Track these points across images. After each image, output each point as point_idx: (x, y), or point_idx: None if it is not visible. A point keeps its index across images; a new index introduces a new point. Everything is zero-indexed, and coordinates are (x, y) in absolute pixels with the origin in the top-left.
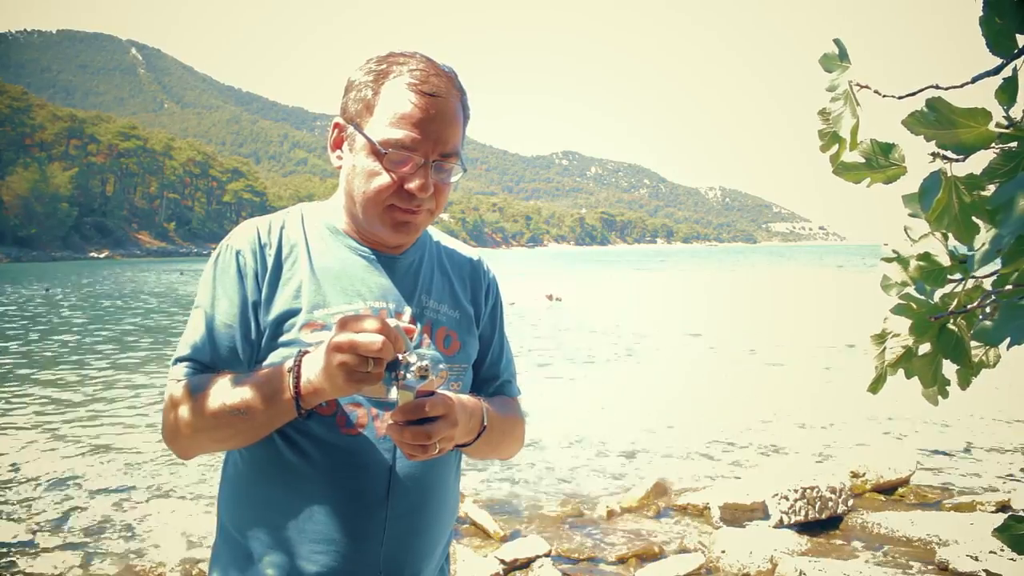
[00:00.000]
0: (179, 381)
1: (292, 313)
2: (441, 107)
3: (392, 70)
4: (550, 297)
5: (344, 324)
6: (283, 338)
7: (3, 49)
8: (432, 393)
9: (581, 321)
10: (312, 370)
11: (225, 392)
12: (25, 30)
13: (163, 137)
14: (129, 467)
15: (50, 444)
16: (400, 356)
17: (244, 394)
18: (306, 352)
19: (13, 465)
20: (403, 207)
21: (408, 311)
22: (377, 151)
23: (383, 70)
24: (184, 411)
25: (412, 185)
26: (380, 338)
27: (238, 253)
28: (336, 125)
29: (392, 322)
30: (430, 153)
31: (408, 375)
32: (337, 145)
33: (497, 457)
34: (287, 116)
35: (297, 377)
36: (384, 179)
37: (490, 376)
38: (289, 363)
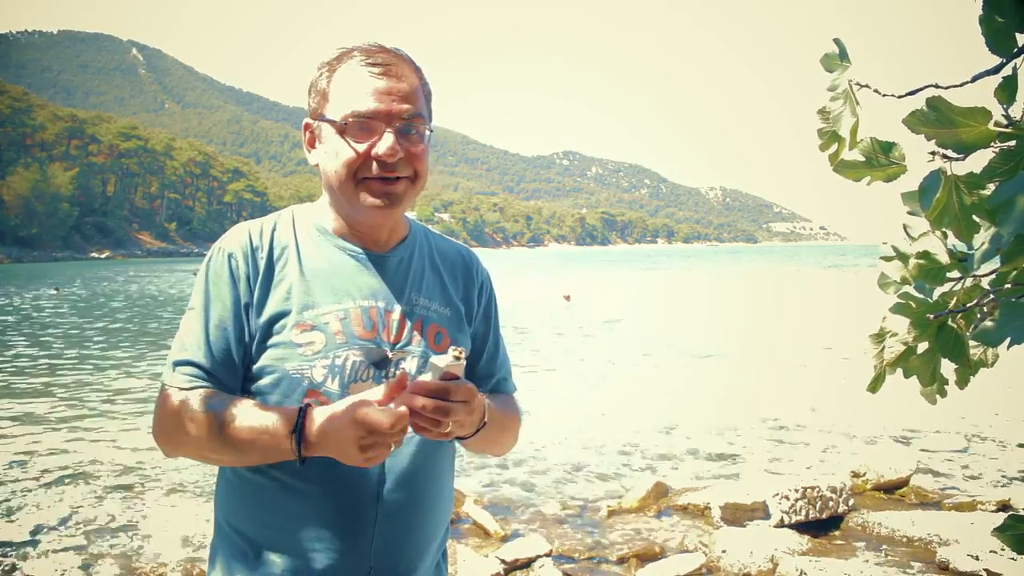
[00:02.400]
0: (182, 389)
1: (283, 314)
2: (394, 74)
3: (342, 58)
4: (567, 297)
5: (360, 427)
6: (273, 339)
7: (4, 49)
8: (457, 378)
9: (585, 321)
10: (324, 442)
11: (227, 427)
12: (26, 30)
13: (164, 137)
14: (129, 467)
15: (50, 444)
16: (390, 353)
17: (241, 435)
18: (310, 410)
19: (14, 465)
20: (377, 177)
21: (398, 309)
22: (340, 128)
23: (333, 61)
24: (184, 423)
25: (380, 150)
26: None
27: (230, 256)
28: (305, 126)
29: (400, 411)
30: (391, 118)
31: (448, 355)
32: (311, 145)
33: (492, 452)
34: (288, 116)
35: (301, 442)
36: (350, 152)
37: (486, 374)
38: (292, 424)
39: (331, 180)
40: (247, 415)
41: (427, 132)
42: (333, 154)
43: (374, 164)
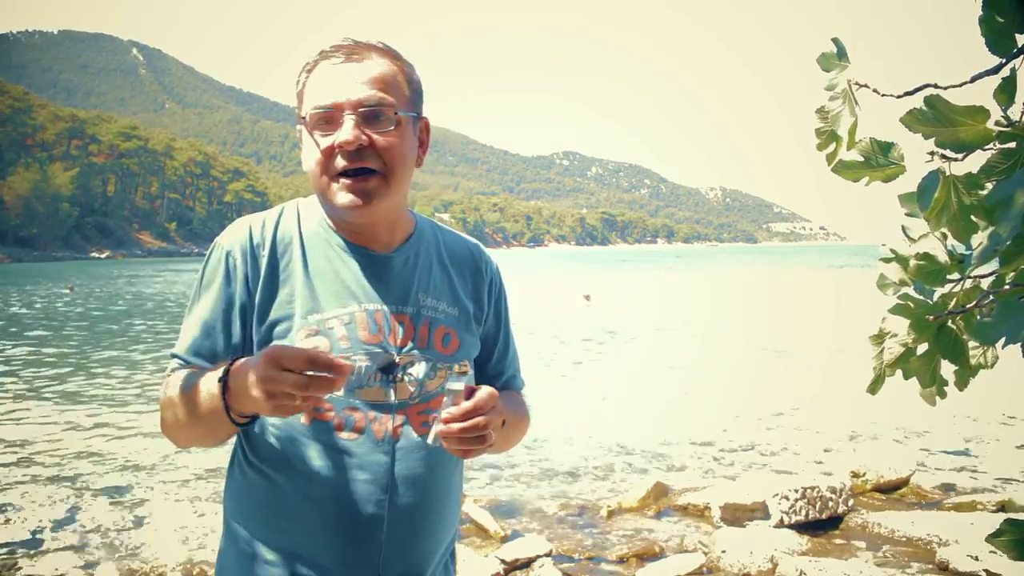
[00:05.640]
0: (167, 376)
1: (286, 318)
2: (355, 61)
3: (317, 59)
4: (587, 298)
5: (272, 358)
6: (276, 343)
7: (4, 49)
8: (474, 390)
9: (601, 321)
10: (241, 387)
11: (183, 394)
12: (27, 30)
13: (164, 137)
14: (129, 467)
15: (51, 444)
16: (397, 358)
17: (193, 400)
18: (236, 361)
19: (14, 466)
20: (344, 169)
21: (405, 311)
22: (307, 125)
23: (310, 63)
24: (166, 407)
25: (339, 138)
26: (305, 379)
27: (228, 253)
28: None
29: (322, 353)
30: (353, 106)
31: (452, 374)
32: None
33: (500, 450)
34: (288, 116)
35: (225, 391)
36: (316, 147)
37: (496, 372)
38: (220, 373)
39: (310, 180)
40: (197, 382)
41: (402, 118)
42: (305, 152)
43: (339, 157)
